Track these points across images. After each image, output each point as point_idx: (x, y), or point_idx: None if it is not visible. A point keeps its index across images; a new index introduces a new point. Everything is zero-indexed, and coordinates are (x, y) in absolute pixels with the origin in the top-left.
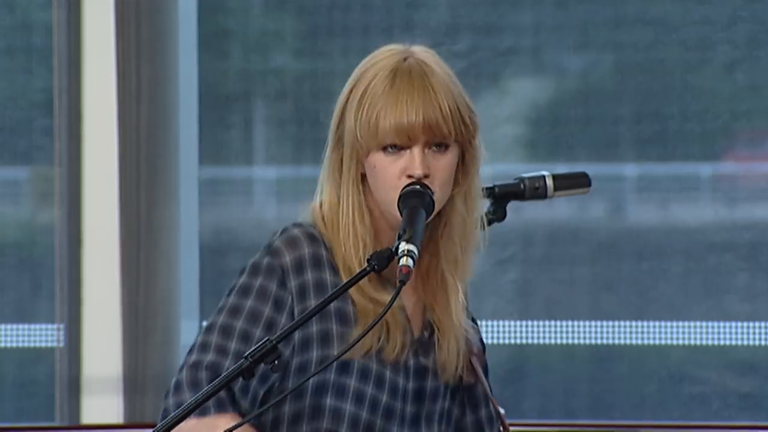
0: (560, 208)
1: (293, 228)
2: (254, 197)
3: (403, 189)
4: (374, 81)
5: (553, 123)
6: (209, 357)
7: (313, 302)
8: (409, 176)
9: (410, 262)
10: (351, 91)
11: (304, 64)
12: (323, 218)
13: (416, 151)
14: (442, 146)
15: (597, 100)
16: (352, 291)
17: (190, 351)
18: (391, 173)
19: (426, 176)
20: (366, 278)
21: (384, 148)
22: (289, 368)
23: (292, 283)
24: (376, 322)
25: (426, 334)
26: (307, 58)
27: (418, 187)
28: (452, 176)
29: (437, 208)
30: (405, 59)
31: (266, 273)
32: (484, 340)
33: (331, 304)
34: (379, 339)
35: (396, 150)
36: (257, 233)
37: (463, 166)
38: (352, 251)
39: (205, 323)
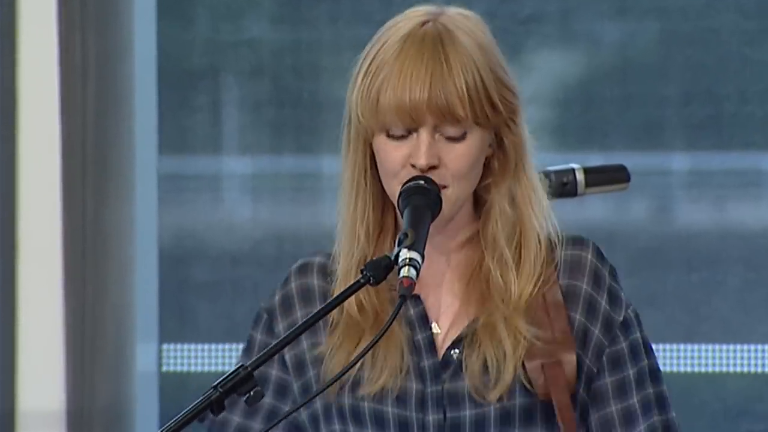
0: (594, 208)
1: (303, 259)
2: (225, 194)
3: (404, 183)
4: (384, 47)
5: (585, 105)
6: None
7: (303, 343)
8: (413, 166)
9: (412, 272)
10: (363, 58)
11: (283, 33)
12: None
13: (423, 135)
14: (458, 131)
15: (638, 78)
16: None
17: None
18: (393, 160)
19: (433, 167)
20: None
21: (387, 131)
22: (293, 392)
23: (280, 326)
24: (372, 345)
25: (457, 350)
26: (287, 26)
27: (422, 182)
28: (475, 167)
29: (452, 206)
30: (425, 23)
31: (255, 321)
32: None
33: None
34: (362, 365)
35: (400, 133)
36: (228, 238)
37: (503, 154)
38: (351, 256)
39: None
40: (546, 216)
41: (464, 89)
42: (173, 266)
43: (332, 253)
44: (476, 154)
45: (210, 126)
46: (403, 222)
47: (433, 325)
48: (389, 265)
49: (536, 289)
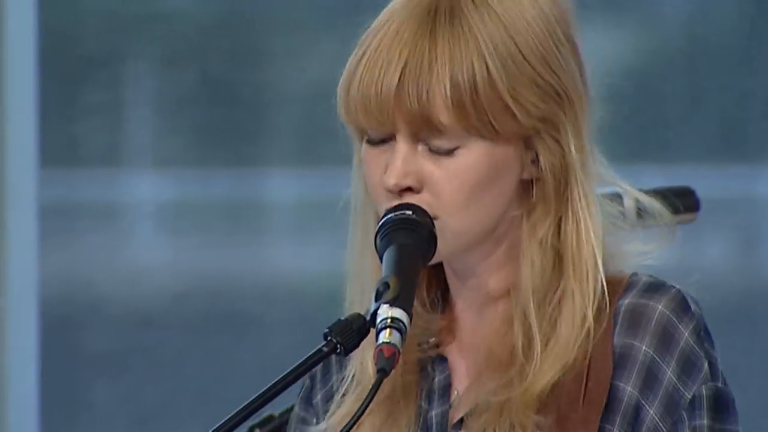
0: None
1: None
2: (131, 229)
3: (383, 216)
4: (372, 26)
5: (638, 102)
6: None
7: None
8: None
9: (396, 337)
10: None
11: (214, 5)
12: None
13: (399, 144)
14: (445, 143)
15: (711, 66)
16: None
17: None
18: (372, 175)
19: (407, 190)
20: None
21: (365, 134)
22: None
23: (318, 396)
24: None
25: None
26: None
27: (408, 212)
28: (479, 194)
29: (447, 244)
30: None
31: (300, 387)
32: None
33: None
34: None
35: (378, 137)
36: (135, 290)
37: (541, 177)
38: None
39: None
40: (608, 258)
41: (448, 85)
42: (59, 329)
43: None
44: (476, 176)
45: (110, 133)
46: (383, 267)
47: (455, 394)
48: (363, 327)
49: (562, 375)
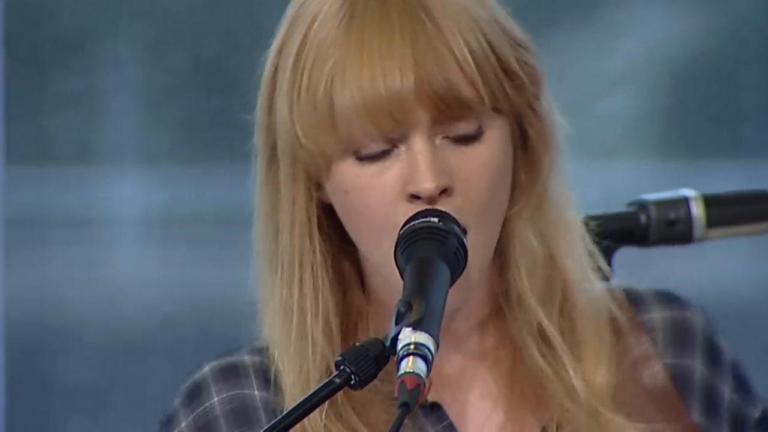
0: (719, 265)
1: (221, 358)
2: (109, 241)
3: (404, 225)
4: (318, 20)
5: (702, 90)
6: None
7: None
8: (414, 196)
9: (421, 366)
10: (280, 49)
11: None
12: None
13: (418, 143)
14: (471, 126)
15: None
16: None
17: None
18: (379, 197)
19: (445, 190)
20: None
21: (356, 150)
22: None
23: None
24: None
25: None
26: None
27: (434, 219)
28: (503, 185)
29: (482, 257)
30: None
31: None
32: None
33: None
34: None
35: (378, 149)
36: (114, 313)
37: (525, 154)
38: (303, 371)
39: None
40: (593, 260)
41: (469, 56)
42: (26, 358)
43: (265, 352)
44: (502, 161)
45: (86, 127)
46: (404, 286)
47: None
48: (382, 354)
49: (620, 372)
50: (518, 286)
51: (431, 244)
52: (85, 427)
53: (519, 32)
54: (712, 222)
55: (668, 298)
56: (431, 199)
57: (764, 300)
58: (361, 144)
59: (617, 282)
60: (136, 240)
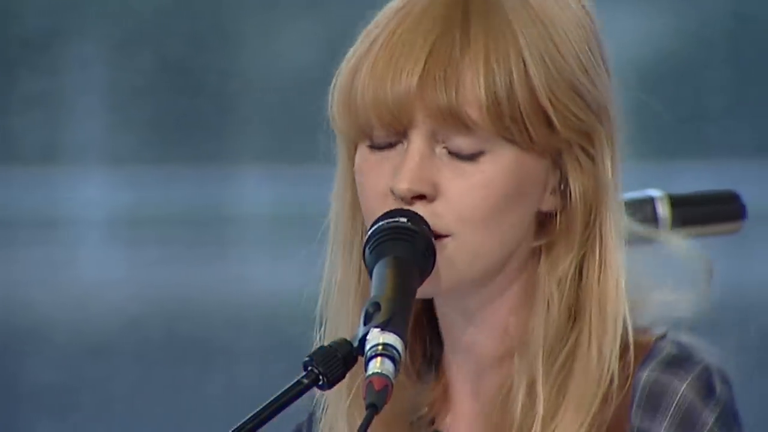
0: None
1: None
2: (75, 242)
3: (373, 224)
4: (382, 14)
5: (679, 89)
6: None
7: None
8: (394, 193)
9: (388, 367)
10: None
11: None
12: None
13: (414, 143)
14: (470, 145)
15: (761, 50)
16: None
17: None
18: (373, 184)
19: (419, 197)
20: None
21: (370, 138)
22: None
23: None
24: None
25: None
26: None
27: (402, 219)
28: (502, 211)
29: (457, 269)
30: None
31: None
32: None
33: None
34: None
35: (385, 141)
36: (82, 315)
37: (567, 204)
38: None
39: None
40: (630, 306)
41: (482, 78)
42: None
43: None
44: (502, 189)
45: (52, 127)
46: (372, 285)
47: None
48: (350, 355)
49: None
50: (535, 327)
51: (399, 244)
52: (52, 428)
53: (583, 74)
54: (678, 222)
55: (674, 361)
56: (406, 200)
57: (726, 301)
58: (372, 133)
59: (684, 337)
60: (102, 240)
